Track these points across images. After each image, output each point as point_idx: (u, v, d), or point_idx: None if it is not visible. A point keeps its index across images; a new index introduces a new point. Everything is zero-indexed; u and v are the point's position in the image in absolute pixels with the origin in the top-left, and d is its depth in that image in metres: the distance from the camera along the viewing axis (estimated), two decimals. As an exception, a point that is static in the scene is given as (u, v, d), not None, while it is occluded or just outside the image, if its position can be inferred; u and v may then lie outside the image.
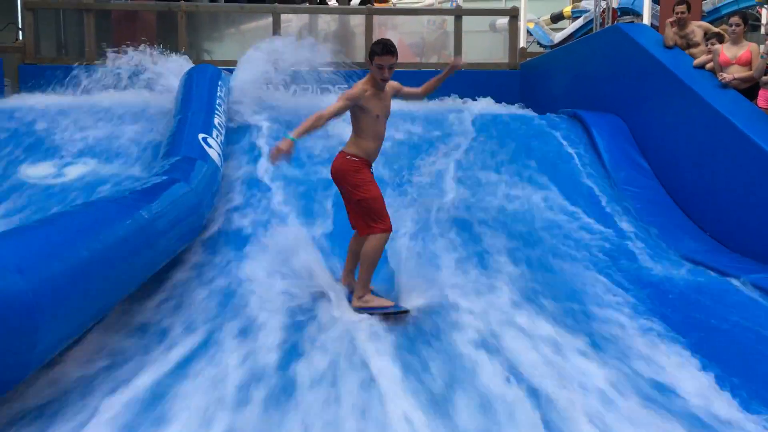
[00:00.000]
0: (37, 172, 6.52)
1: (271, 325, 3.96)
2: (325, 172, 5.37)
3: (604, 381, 3.52)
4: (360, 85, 4.13)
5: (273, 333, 3.88)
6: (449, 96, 9.43)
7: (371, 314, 4.05)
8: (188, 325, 4.00)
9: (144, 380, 3.34)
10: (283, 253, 4.65)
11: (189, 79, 7.49)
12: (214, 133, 6.19)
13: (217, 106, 6.85)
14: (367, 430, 3.02)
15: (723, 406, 3.37)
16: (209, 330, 3.94)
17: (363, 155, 4.18)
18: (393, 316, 4.05)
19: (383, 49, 4.01)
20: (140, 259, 3.91)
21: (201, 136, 5.91)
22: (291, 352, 3.68)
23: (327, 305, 4.20)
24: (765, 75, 6.03)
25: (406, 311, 4.11)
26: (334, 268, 4.74)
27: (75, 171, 6.54)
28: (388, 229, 4.17)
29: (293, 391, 3.30)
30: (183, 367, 3.52)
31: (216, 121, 6.47)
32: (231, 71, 8.36)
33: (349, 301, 4.24)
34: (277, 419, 3.08)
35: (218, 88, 7.31)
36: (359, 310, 4.11)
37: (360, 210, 4.20)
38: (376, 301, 4.14)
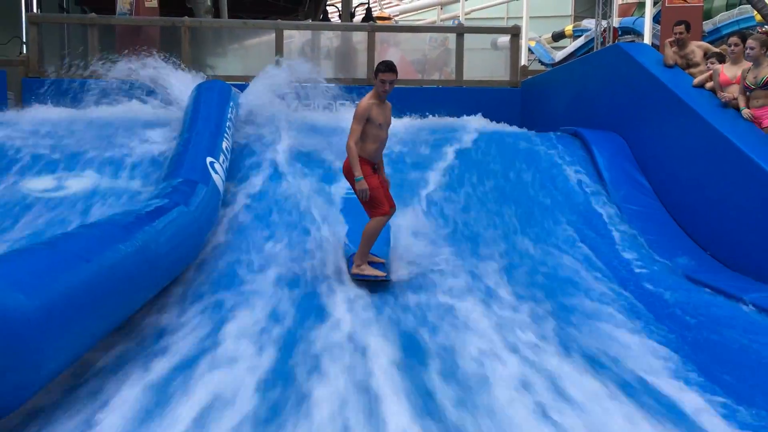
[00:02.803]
0: (40, 185, 6.54)
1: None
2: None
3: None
4: (366, 100, 4.99)
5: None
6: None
7: (363, 279, 4.92)
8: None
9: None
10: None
11: (198, 96, 7.30)
12: (221, 158, 6.20)
13: (226, 128, 6.73)
14: None
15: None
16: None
17: (366, 156, 5.00)
18: (380, 282, 4.94)
19: (386, 67, 4.95)
20: (141, 281, 3.96)
21: (209, 160, 5.91)
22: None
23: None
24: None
25: (389, 279, 5.00)
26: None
27: (78, 185, 6.55)
28: (386, 213, 5.08)
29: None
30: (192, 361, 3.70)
31: (224, 144, 6.43)
32: (235, 86, 8.38)
33: (350, 268, 5.11)
34: None
35: (229, 108, 7.13)
36: (355, 276, 4.96)
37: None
38: (369, 270, 4.99)
